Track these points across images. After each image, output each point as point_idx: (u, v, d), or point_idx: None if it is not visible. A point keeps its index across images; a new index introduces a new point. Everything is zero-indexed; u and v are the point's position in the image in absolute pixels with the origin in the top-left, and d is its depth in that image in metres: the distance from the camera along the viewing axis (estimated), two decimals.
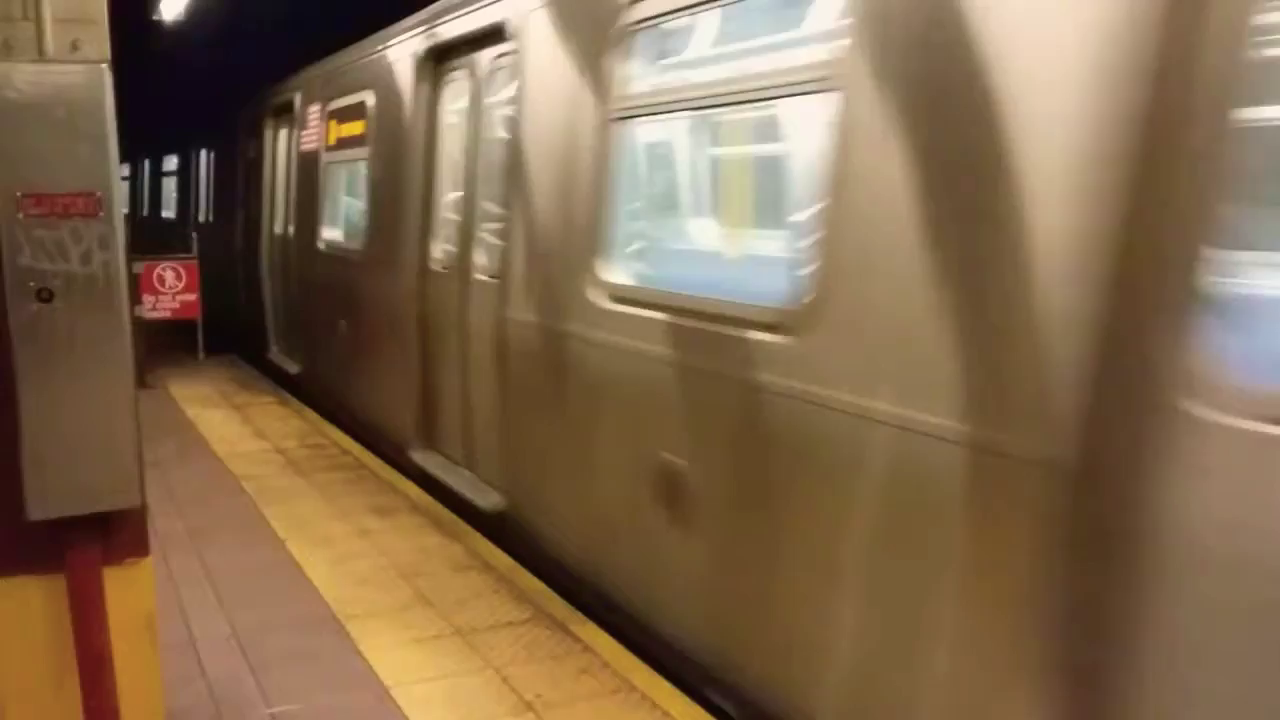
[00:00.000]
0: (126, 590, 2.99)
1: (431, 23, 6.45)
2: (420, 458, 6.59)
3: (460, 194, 6.15)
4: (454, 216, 6.25)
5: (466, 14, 5.90)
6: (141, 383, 8.05)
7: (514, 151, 5.23)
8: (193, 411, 9.05)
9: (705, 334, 3.76)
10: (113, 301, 2.80)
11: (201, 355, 11.65)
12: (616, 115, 4.35)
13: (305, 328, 9.52)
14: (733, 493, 3.69)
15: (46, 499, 2.79)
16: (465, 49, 6.04)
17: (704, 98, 4.04)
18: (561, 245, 4.75)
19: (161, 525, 5.60)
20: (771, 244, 4.15)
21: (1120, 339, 2.34)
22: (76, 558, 2.89)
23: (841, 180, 3.12)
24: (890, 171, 2.94)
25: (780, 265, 3.61)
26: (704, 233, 4.78)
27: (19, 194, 2.68)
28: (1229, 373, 2.16)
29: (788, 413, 3.35)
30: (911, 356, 2.87)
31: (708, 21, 4.16)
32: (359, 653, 4.28)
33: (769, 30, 3.99)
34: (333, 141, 8.45)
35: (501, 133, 5.49)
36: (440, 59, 6.41)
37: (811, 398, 3.24)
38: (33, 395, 2.75)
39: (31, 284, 2.71)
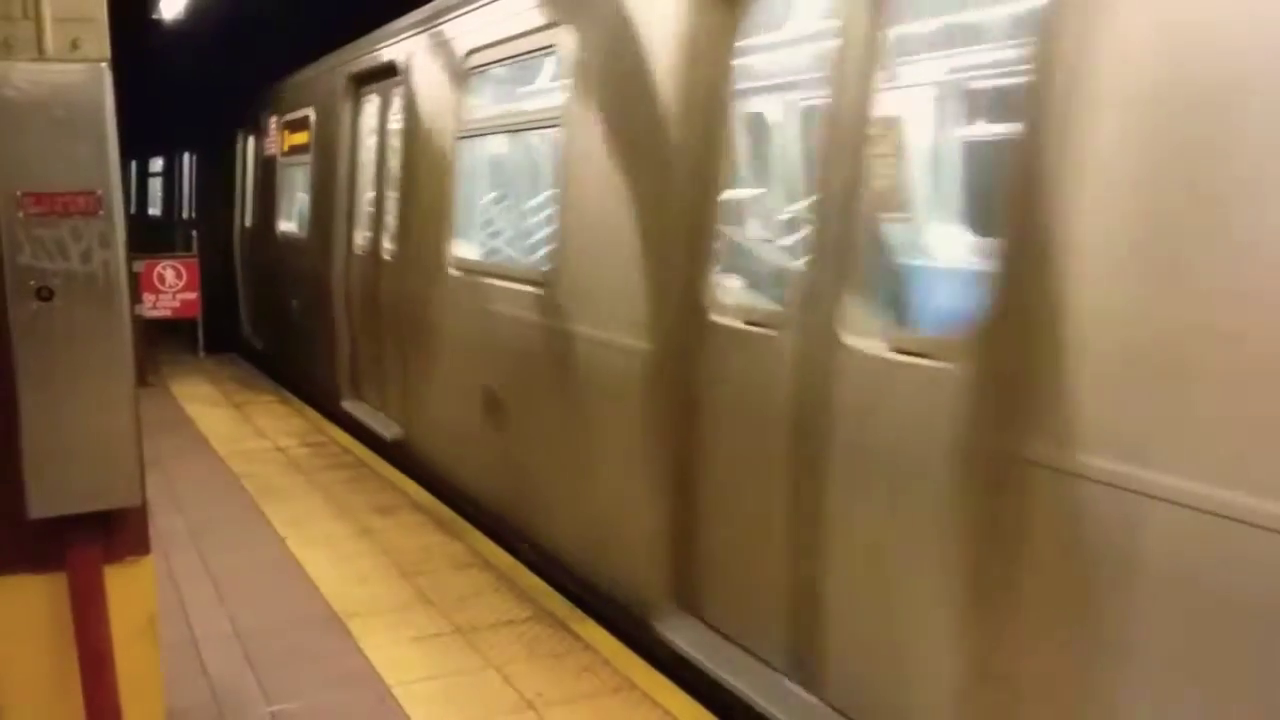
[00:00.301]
0: (127, 588, 2.99)
1: (354, 55, 8.16)
2: (349, 405, 8.16)
3: (373, 191, 7.75)
4: (370, 209, 7.82)
5: (373, 51, 7.65)
6: (142, 381, 8.05)
7: (404, 157, 6.90)
8: (193, 410, 9.06)
9: (505, 290, 5.42)
10: (113, 300, 2.80)
11: (202, 354, 11.66)
12: (460, 135, 6.07)
13: (268, 307, 11.07)
14: (523, 401, 5.32)
15: (47, 497, 2.79)
16: (374, 78, 7.68)
17: (502, 126, 6.02)
18: (433, 229, 6.35)
19: (162, 524, 5.59)
20: (542, 229, 5.73)
21: (676, 279, 3.99)
22: (77, 556, 2.89)
23: (563, 187, 4.85)
24: (583, 183, 4.66)
25: (544, 242, 5.34)
26: (510, 219, 6.49)
27: (19, 193, 2.68)
28: (726, 293, 3.88)
29: (547, 340, 4.96)
30: (595, 300, 4.57)
31: (508, 72, 5.99)
32: (360, 651, 4.29)
33: (534, 82, 5.86)
34: (285, 148, 10.20)
35: (397, 143, 7.11)
36: (359, 84, 8.08)
37: (556, 330, 4.86)
38: (33, 394, 2.75)
39: (32, 282, 2.71)
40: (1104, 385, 2.37)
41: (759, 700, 3.50)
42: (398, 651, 4.29)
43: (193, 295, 10.92)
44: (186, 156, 16.30)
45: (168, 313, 10.89)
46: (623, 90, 4.34)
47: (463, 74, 5.97)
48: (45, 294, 2.72)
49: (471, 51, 5.86)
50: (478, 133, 6.07)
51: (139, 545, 3.02)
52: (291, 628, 4.53)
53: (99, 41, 2.92)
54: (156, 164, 19.84)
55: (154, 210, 20.22)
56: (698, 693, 3.90)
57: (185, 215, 16.14)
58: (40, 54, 2.86)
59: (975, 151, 3.49)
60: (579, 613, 4.68)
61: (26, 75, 2.69)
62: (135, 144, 19.78)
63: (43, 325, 2.74)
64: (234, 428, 8.42)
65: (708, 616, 4.00)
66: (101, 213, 2.75)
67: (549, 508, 5.07)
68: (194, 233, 12.26)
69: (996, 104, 3.24)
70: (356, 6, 8.93)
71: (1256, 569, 2.05)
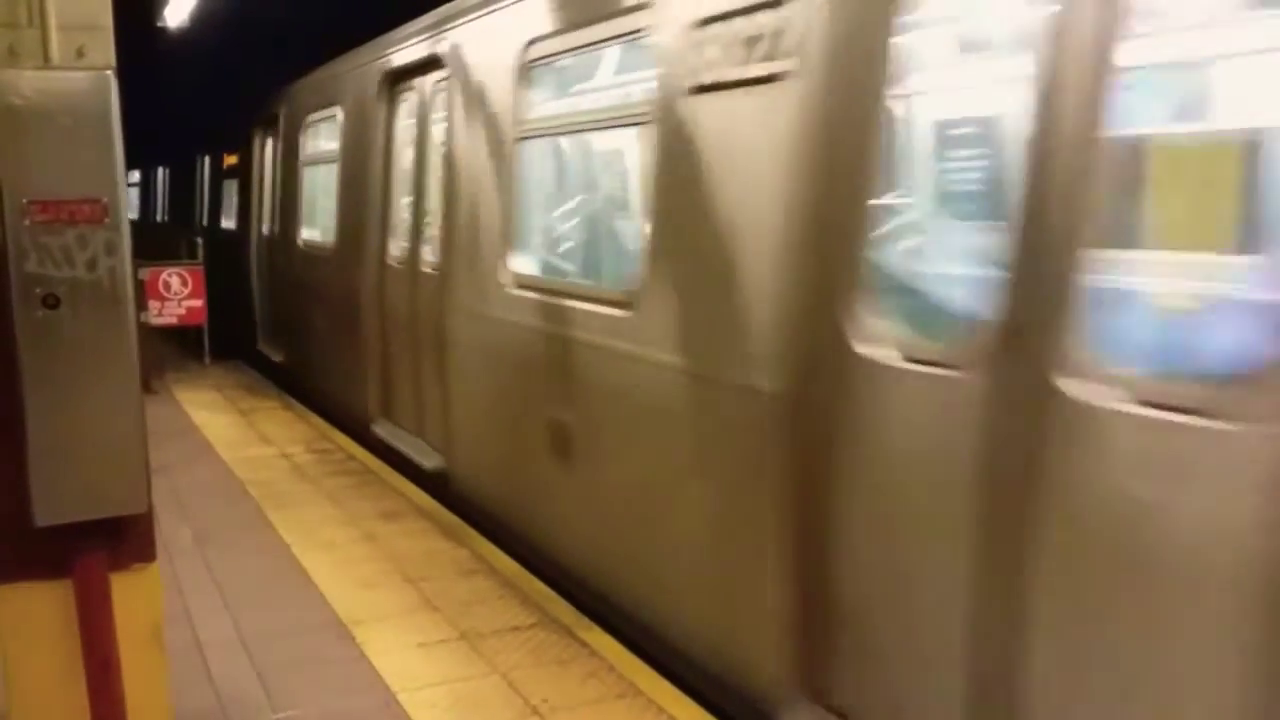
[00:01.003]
0: (133, 595, 3.00)
1: (261, 107, 11.91)
2: (261, 346, 11.74)
3: (270, 196, 11.53)
4: (268, 208, 11.68)
5: (267, 109, 11.50)
6: (147, 388, 8.06)
7: (281, 174, 10.82)
8: (198, 417, 9.08)
9: (317, 256, 9.33)
10: (118, 307, 2.81)
11: (207, 360, 11.68)
12: (303, 163, 10.09)
13: (218, 282, 14.32)
14: (326, 324, 9.08)
15: (53, 505, 2.80)
16: (269, 123, 11.49)
17: (319, 160, 9.67)
18: (293, 221, 10.28)
19: (168, 530, 5.61)
20: (333, 220, 9.08)
21: (377, 245, 7.81)
22: (83, 563, 2.90)
23: (338, 195, 8.70)
24: (345, 194, 8.52)
25: (334, 227, 8.92)
26: (324, 215, 9.57)
27: (25, 200, 2.69)
28: (396, 250, 7.67)
29: (334, 285, 8.65)
30: (349, 257, 8.26)
31: (323, 127, 9.61)
32: (365, 657, 4.29)
33: (331, 135, 9.24)
34: (225, 167, 14.55)
35: (279, 164, 10.99)
36: (264, 126, 11.84)
37: (337, 278, 8.56)
38: (39, 401, 2.75)
39: (38, 290, 2.72)
40: (458, 275, 6.15)
41: (404, 448, 7.07)
42: (403, 658, 4.29)
43: (198, 303, 10.95)
44: (160, 170, 21.77)
45: (173, 320, 10.92)
46: (358, 142, 8.15)
47: (304, 126, 10.00)
48: (51, 301, 2.73)
49: (307, 112, 9.96)
50: (310, 162, 9.96)
51: (145, 552, 3.02)
52: (297, 634, 4.53)
53: (104, 49, 2.93)
54: (133, 175, 24.88)
55: (131, 215, 24.34)
56: (393, 462, 7.34)
57: (159, 219, 21.58)
58: (46, 62, 2.87)
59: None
60: (585, 619, 4.68)
61: (32, 83, 2.70)
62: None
63: (49, 333, 2.74)
64: (239, 434, 8.43)
65: (393, 418, 7.58)
66: (107, 220, 2.76)
67: (336, 378, 8.79)
68: (199, 240, 12.31)
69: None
70: (341, 33, 10.05)
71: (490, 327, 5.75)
